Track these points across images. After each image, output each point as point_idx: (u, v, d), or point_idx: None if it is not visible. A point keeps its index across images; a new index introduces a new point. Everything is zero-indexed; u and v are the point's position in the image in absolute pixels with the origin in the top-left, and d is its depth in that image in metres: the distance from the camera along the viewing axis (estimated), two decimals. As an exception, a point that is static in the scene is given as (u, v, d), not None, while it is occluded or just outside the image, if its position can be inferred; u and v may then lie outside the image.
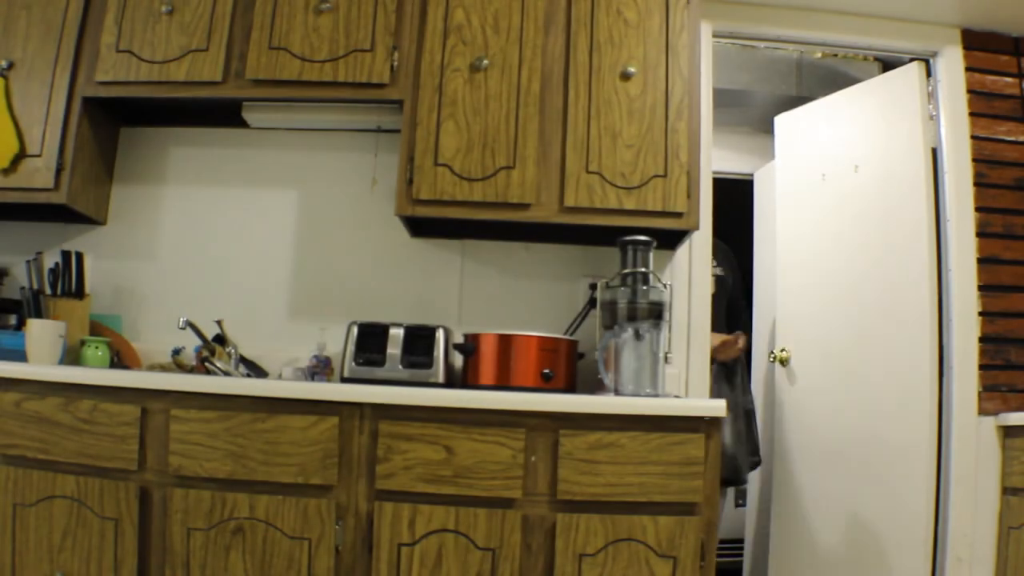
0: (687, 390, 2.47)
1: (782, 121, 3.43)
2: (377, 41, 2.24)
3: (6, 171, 2.24)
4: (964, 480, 2.52)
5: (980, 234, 2.64)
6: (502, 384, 2.10)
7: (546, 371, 2.13)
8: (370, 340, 2.17)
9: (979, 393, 2.57)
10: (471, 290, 2.46)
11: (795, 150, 3.37)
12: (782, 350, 3.24)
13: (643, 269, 2.14)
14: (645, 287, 2.12)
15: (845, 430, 2.94)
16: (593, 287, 2.37)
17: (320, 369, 2.31)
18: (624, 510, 1.78)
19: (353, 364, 2.15)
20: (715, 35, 2.70)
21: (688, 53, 2.25)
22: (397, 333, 2.17)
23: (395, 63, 2.24)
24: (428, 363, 2.15)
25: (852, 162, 3.05)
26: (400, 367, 2.14)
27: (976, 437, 2.54)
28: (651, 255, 2.18)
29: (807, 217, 3.23)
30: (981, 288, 2.62)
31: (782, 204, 3.37)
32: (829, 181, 3.16)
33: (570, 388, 2.20)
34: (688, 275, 2.54)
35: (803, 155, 3.33)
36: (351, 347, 2.16)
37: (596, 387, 2.17)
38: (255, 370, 2.36)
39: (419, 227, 2.37)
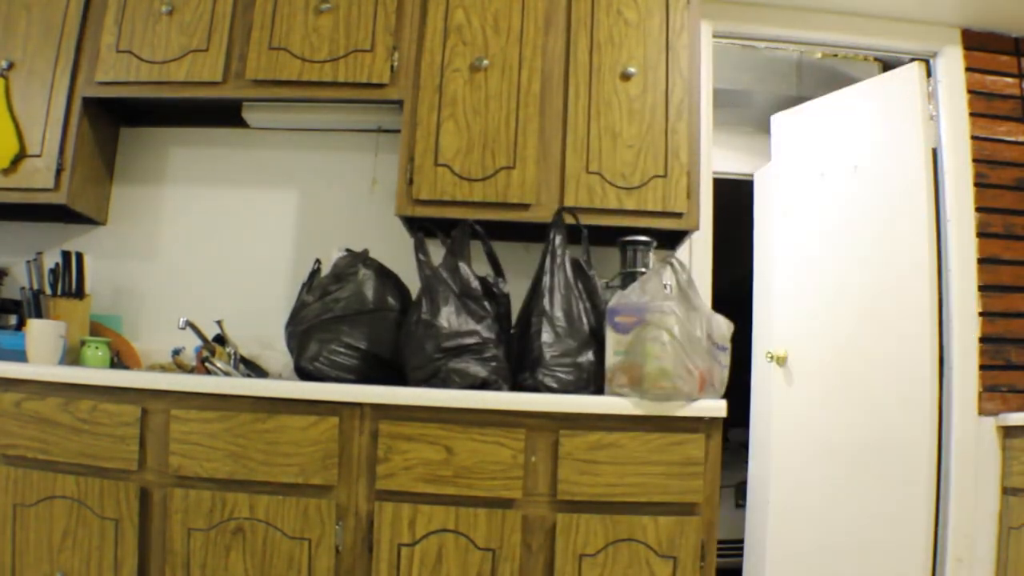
0: (687, 390, 2.46)
1: (779, 120, 3.43)
2: (377, 41, 2.24)
3: (6, 171, 2.24)
4: (964, 480, 2.52)
5: (980, 234, 2.65)
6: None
7: (546, 371, 2.13)
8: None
9: (979, 393, 2.57)
10: (471, 290, 2.45)
11: (793, 149, 3.37)
12: (779, 350, 3.24)
13: (643, 269, 2.14)
14: (645, 287, 2.11)
15: (844, 430, 2.94)
16: (593, 287, 2.36)
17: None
18: (624, 510, 1.78)
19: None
20: (715, 35, 2.71)
21: (688, 53, 2.25)
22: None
23: (395, 63, 2.24)
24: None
25: (851, 162, 3.05)
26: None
27: (976, 437, 2.54)
28: (651, 255, 2.18)
29: (806, 216, 3.23)
30: (981, 288, 2.62)
31: (780, 204, 3.38)
32: (828, 181, 3.16)
33: (570, 388, 2.20)
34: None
35: (801, 154, 3.33)
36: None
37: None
38: (255, 370, 2.35)
39: (419, 227, 2.36)
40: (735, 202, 3.69)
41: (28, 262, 2.34)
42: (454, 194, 2.18)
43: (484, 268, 2.09)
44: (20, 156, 2.25)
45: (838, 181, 3.10)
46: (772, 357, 3.26)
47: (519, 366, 1.94)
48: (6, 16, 2.31)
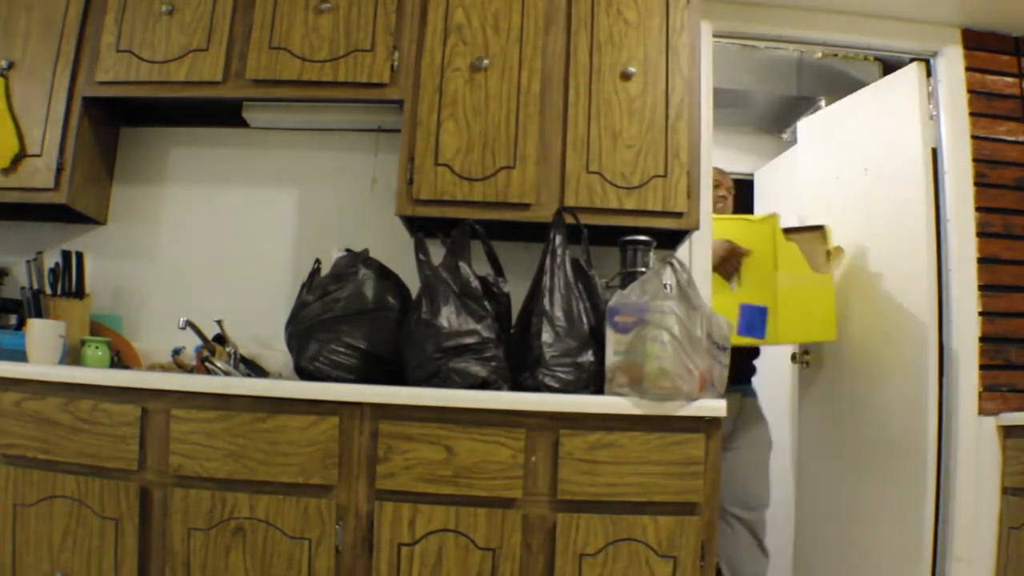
0: (687, 390, 2.47)
1: (804, 125, 3.43)
2: (377, 41, 2.24)
3: (6, 171, 2.24)
4: (964, 480, 2.52)
5: (980, 234, 2.64)
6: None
7: (546, 371, 2.13)
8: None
9: (979, 393, 2.57)
10: (471, 290, 2.45)
11: (814, 154, 3.36)
12: (805, 352, 3.22)
13: (643, 269, 2.14)
14: (645, 287, 2.11)
15: (845, 429, 2.94)
16: (593, 287, 2.36)
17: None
18: (624, 510, 1.78)
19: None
20: (715, 35, 2.71)
21: (688, 53, 2.25)
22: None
23: (395, 63, 2.24)
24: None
25: (862, 164, 3.05)
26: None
27: (976, 437, 2.54)
28: (651, 255, 2.18)
29: (823, 219, 3.22)
30: (981, 288, 2.62)
31: (799, 210, 3.36)
32: (842, 184, 3.15)
33: (570, 388, 2.20)
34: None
35: (819, 159, 3.32)
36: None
37: (596, 387, 2.17)
38: (255, 370, 2.36)
39: (419, 227, 2.36)
40: (735, 202, 3.69)
41: (28, 262, 2.34)
42: (454, 194, 2.18)
43: (484, 268, 2.09)
44: (20, 156, 2.25)
45: (851, 183, 3.10)
46: (796, 358, 3.25)
47: (519, 366, 1.94)
48: (6, 16, 2.31)
